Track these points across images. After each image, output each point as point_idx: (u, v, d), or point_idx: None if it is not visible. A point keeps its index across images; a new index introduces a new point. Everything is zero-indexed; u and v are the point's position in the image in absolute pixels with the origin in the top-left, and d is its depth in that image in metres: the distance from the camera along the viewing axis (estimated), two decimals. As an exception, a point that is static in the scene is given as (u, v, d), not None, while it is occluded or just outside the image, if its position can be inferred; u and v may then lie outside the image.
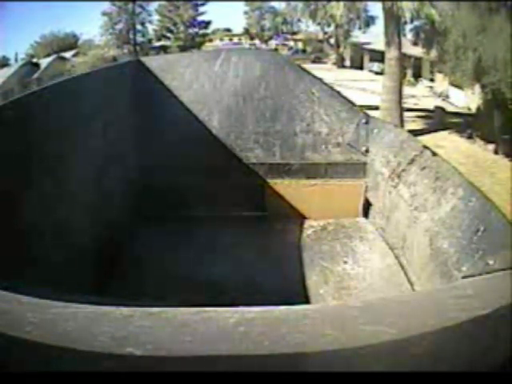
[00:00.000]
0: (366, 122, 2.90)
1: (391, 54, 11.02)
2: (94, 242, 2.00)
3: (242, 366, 0.71)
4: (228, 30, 38.98)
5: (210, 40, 33.69)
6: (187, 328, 0.78)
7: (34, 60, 23.96)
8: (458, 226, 1.65)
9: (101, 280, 1.89)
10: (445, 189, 1.84)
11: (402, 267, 2.20)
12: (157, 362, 0.71)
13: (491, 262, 1.33)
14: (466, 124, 10.11)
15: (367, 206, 2.90)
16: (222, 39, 36.16)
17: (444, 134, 9.78)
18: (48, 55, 24.79)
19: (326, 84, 3.05)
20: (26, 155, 1.62)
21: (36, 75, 20.21)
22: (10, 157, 1.53)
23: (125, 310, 0.81)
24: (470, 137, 9.75)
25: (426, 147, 2.26)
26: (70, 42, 28.45)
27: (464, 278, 1.44)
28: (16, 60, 26.87)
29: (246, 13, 35.84)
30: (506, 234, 1.35)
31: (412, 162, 2.21)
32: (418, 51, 15.37)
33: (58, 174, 1.80)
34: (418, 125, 10.18)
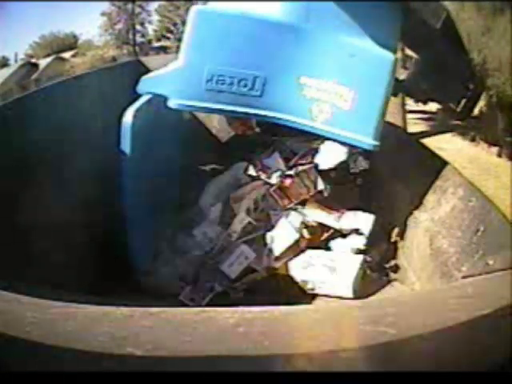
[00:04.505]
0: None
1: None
2: (94, 241, 2.00)
3: (242, 366, 0.71)
4: (228, 30, 38.95)
5: (210, 40, 33.62)
6: (187, 328, 0.78)
7: (33, 60, 23.87)
8: (458, 226, 1.65)
9: (101, 280, 1.89)
10: (445, 189, 1.84)
11: (402, 267, 2.19)
12: (157, 362, 0.71)
13: (491, 262, 1.33)
14: (469, 126, 9.99)
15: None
16: (221, 39, 36.11)
17: (447, 136, 9.68)
18: (47, 55, 24.73)
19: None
20: (26, 155, 1.62)
21: (34, 76, 20.06)
22: (10, 157, 1.53)
23: (125, 310, 0.81)
24: (473, 139, 9.60)
25: (425, 147, 2.26)
26: (70, 43, 28.37)
27: (464, 277, 1.44)
28: (16, 60, 26.78)
29: (245, 13, 35.83)
30: (506, 234, 1.35)
31: (412, 161, 2.21)
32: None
33: (57, 173, 1.80)
34: (420, 127, 10.11)
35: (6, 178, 1.46)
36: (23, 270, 1.38)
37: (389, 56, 1.71)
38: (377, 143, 1.77)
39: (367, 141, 1.76)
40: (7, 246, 1.34)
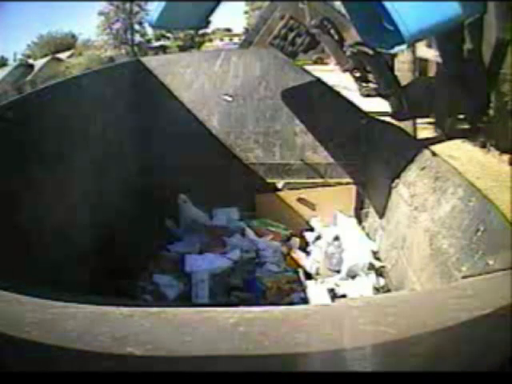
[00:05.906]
0: (366, 122, 2.90)
1: (404, 57, 10.66)
2: (94, 241, 2.00)
3: (242, 366, 0.71)
4: (228, 29, 38.82)
5: (210, 40, 33.57)
6: (187, 328, 0.78)
7: (30, 61, 23.66)
8: (458, 226, 1.65)
9: (101, 280, 1.89)
10: (445, 189, 1.84)
11: (402, 267, 2.19)
12: (157, 362, 0.71)
13: (491, 262, 1.33)
14: (478, 131, 9.68)
15: (367, 207, 2.90)
16: (222, 39, 36.04)
17: (457, 142, 9.43)
18: (45, 56, 24.54)
19: (325, 84, 3.05)
20: (26, 155, 1.62)
21: (29, 77, 19.76)
22: (10, 157, 1.53)
23: (125, 310, 0.81)
24: (483, 146, 9.36)
25: (426, 147, 2.26)
26: (69, 43, 28.20)
27: (464, 277, 1.44)
28: (15, 60, 26.67)
29: (246, 12, 35.75)
30: (505, 234, 1.34)
31: (412, 161, 2.21)
32: (431, 54, 15.11)
33: (57, 174, 1.80)
34: (429, 132, 9.95)
35: (6, 178, 1.46)
36: (23, 270, 1.38)
37: None
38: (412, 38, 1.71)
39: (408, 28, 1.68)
40: (7, 246, 1.34)
